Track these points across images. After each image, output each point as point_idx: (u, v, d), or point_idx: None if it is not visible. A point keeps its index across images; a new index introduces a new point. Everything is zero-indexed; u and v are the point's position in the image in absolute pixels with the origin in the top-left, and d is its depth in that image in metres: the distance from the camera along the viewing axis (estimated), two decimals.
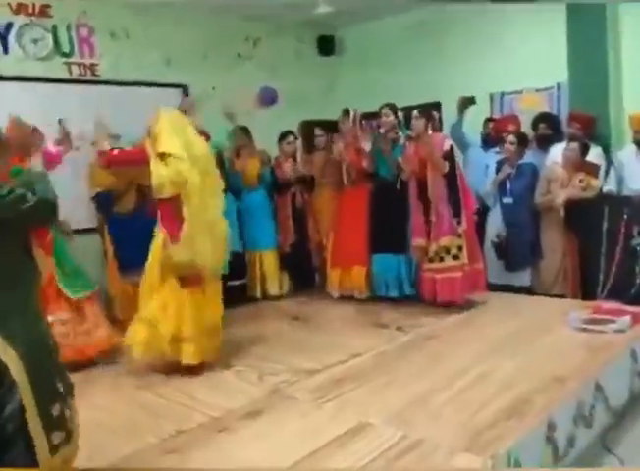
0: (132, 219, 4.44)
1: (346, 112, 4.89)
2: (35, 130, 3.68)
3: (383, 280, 4.72)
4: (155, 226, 3.46)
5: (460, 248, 4.33)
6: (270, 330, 4.35)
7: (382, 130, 4.72)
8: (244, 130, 5.24)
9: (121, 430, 2.81)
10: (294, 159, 5.37)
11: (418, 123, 4.45)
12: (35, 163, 2.67)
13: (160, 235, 3.39)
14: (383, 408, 2.83)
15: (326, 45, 6.71)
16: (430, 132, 4.46)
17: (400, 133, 4.72)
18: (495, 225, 4.97)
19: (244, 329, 4.34)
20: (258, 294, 5.22)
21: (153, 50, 5.32)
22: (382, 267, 4.70)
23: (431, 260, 4.43)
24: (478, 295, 4.59)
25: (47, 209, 1.88)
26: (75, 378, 2.14)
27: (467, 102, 5.30)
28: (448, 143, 4.46)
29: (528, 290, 4.82)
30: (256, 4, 5.43)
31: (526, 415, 2.63)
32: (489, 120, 5.51)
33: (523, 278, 4.88)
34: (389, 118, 4.69)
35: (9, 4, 4.54)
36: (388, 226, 4.63)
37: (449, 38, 5.97)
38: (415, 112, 4.51)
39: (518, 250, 4.81)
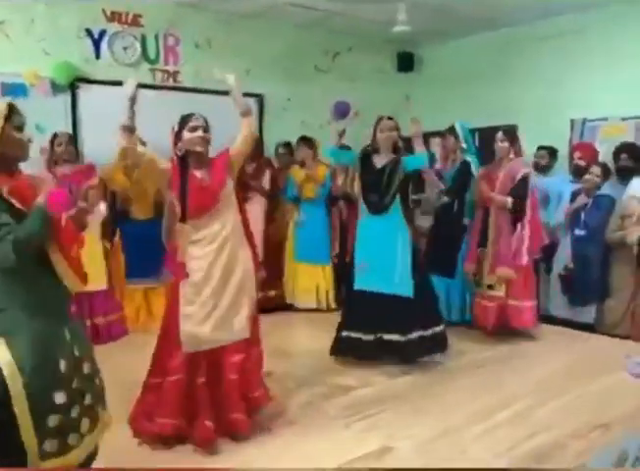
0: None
1: None
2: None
3: None
4: None
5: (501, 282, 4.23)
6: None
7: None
8: (308, 142, 5.30)
9: None
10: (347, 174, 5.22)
11: (502, 146, 4.25)
12: None
13: None
14: (410, 435, 2.80)
15: (405, 62, 6.69)
16: (512, 157, 4.26)
17: (462, 155, 4.63)
18: (564, 256, 4.76)
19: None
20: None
21: (234, 60, 5.50)
22: None
23: (480, 287, 4.37)
24: (535, 328, 4.44)
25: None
26: None
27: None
28: (521, 173, 4.20)
29: (591, 328, 4.58)
30: (338, 19, 5.52)
31: (557, 461, 2.51)
32: (542, 148, 5.24)
33: (587, 314, 4.62)
34: (449, 142, 4.69)
35: (103, 10, 4.85)
36: (440, 248, 4.57)
37: (532, 59, 5.74)
38: (500, 134, 4.29)
39: (585, 285, 4.57)
